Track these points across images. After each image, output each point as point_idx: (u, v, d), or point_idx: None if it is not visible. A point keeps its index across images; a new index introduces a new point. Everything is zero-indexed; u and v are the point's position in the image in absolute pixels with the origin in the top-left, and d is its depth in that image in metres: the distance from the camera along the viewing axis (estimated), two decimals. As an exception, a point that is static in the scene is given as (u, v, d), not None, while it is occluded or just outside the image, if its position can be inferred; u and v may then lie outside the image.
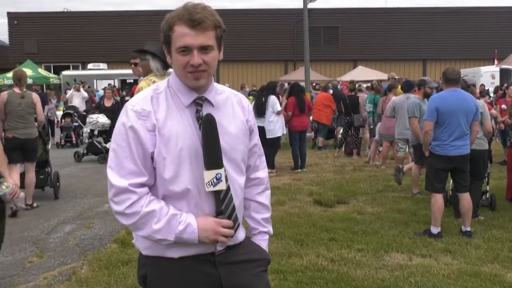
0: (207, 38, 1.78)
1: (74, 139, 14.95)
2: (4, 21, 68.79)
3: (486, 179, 6.70)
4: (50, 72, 29.40)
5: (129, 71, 8.45)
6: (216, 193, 1.85)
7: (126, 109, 1.85)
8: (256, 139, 2.08)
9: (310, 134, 13.81)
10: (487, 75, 21.46)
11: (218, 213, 1.86)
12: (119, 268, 4.63)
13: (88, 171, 10.48)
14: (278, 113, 9.74)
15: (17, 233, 5.92)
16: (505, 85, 14.53)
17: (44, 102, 13.71)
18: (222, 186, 1.83)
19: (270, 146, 9.53)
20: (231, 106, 1.98)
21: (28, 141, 6.97)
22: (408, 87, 8.58)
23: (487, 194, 6.79)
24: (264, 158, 2.15)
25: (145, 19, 29.92)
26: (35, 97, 7.21)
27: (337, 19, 32.75)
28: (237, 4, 76.82)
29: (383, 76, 24.49)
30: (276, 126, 9.76)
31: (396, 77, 13.53)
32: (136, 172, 1.80)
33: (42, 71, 26.83)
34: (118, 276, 4.45)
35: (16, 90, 7.00)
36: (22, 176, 6.76)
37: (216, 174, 1.81)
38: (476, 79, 11.51)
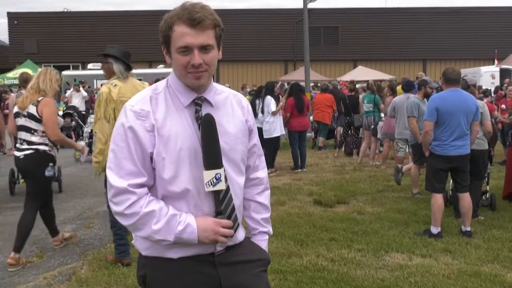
0: (207, 37, 1.78)
1: (74, 139, 14.95)
2: (4, 21, 68.97)
3: (486, 179, 6.71)
4: (50, 72, 29.34)
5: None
6: (216, 193, 1.84)
7: (125, 110, 1.84)
8: (256, 139, 2.08)
9: (310, 134, 13.79)
10: (487, 75, 21.42)
11: (218, 213, 1.86)
12: (119, 268, 4.63)
13: (88, 171, 10.43)
14: (273, 113, 9.68)
15: (17, 233, 5.91)
16: (505, 84, 14.52)
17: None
18: (221, 186, 1.82)
19: (268, 146, 9.52)
20: (231, 106, 1.97)
21: None
22: (408, 87, 8.59)
23: (487, 194, 6.79)
24: (263, 158, 2.15)
25: (145, 19, 29.92)
26: None
27: (337, 19, 32.76)
28: (237, 4, 76.94)
29: (383, 76, 24.52)
30: (273, 126, 9.68)
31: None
32: (135, 172, 1.80)
33: (42, 71, 26.79)
34: (118, 276, 4.45)
35: (24, 92, 7.14)
36: None
37: (216, 174, 1.80)
38: (476, 79, 11.47)
